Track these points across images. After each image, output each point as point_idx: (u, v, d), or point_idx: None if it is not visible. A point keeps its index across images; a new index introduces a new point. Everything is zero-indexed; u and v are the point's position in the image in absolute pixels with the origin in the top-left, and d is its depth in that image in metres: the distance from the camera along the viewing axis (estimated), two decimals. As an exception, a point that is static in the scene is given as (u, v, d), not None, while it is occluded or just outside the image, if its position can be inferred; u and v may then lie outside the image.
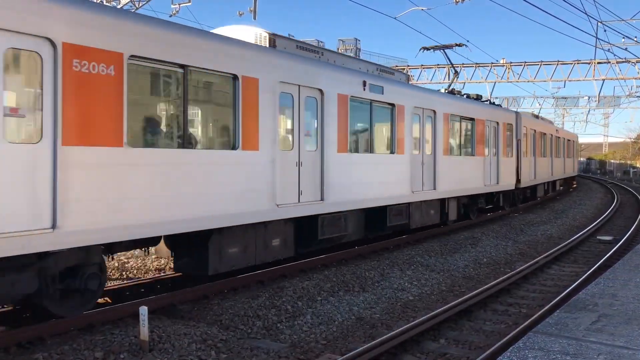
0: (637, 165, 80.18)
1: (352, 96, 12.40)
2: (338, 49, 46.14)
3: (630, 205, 30.68)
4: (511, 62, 40.20)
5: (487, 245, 16.29)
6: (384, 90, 13.56)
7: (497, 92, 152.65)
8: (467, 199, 19.43)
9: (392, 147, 14.27)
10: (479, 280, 12.32)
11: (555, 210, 26.82)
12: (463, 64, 40.49)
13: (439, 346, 7.93)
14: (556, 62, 38.94)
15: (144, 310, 7.13)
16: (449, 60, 21.80)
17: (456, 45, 20.66)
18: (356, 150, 12.91)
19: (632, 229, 19.09)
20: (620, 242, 16.13)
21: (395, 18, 27.69)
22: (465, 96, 19.96)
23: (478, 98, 20.74)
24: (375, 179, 13.25)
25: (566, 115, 70.69)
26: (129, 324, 7.99)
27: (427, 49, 20.40)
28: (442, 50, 20.55)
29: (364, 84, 12.73)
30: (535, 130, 26.66)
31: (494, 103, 23.63)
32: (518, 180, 23.39)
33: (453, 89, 20.05)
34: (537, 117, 30.59)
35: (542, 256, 14.03)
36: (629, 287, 7.96)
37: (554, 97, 59.25)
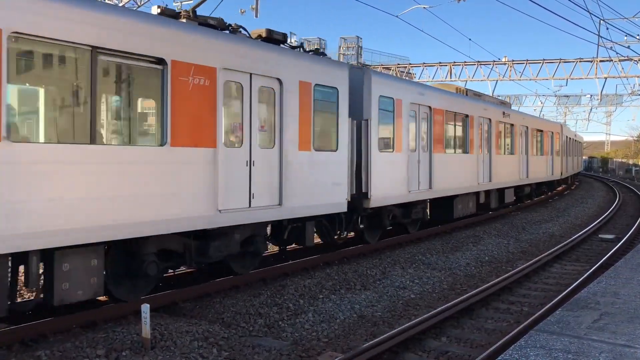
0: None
1: None
2: (340, 47, 46.27)
3: (632, 204, 30.65)
4: (513, 60, 40.17)
5: (488, 243, 16.29)
6: None
7: (499, 90, 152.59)
8: (176, 242, 9.07)
9: None
10: (480, 278, 12.32)
11: (557, 208, 26.81)
12: (465, 62, 40.50)
13: (441, 344, 7.94)
14: (558, 60, 38.89)
15: (146, 308, 7.14)
16: None
17: None
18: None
19: (634, 227, 19.06)
20: (622, 241, 16.12)
21: (397, 16, 27.70)
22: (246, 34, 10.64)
23: (272, 39, 10.90)
24: None
25: (568, 113, 70.70)
26: (131, 322, 8.01)
27: None
28: None
29: None
30: (430, 108, 16.27)
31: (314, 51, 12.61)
32: (363, 194, 13.20)
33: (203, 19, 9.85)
34: (462, 91, 20.82)
35: (543, 254, 14.02)
36: (631, 286, 7.96)
37: (556, 96, 59.28)
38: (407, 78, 35.24)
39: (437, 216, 18.48)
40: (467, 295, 9.80)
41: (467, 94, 20.49)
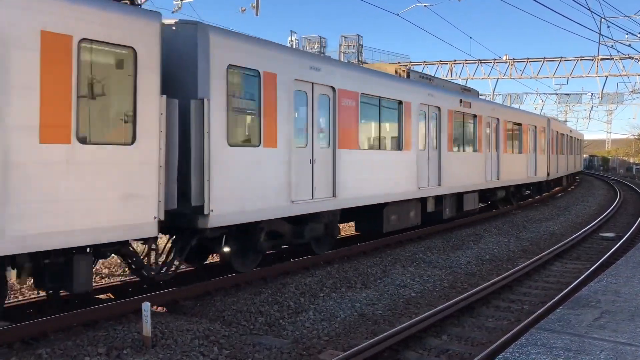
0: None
1: None
2: (340, 45, 46.24)
3: (633, 202, 30.63)
4: (514, 59, 40.20)
5: (489, 242, 16.29)
6: None
7: (500, 88, 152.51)
8: None
9: None
10: (481, 276, 12.32)
11: (557, 207, 26.79)
12: (466, 60, 40.48)
13: (442, 342, 7.94)
14: (559, 59, 38.88)
15: (146, 306, 7.14)
16: None
17: None
18: None
19: (635, 225, 19.05)
20: (623, 239, 16.11)
21: (398, 14, 27.65)
22: None
23: None
24: None
25: (569, 112, 70.67)
26: (132, 320, 8.02)
27: None
28: None
29: None
30: (333, 89, 12.10)
31: None
32: (197, 208, 9.04)
33: None
34: (402, 72, 16.52)
35: (544, 253, 14.02)
36: (632, 284, 7.96)
37: (557, 94, 59.25)
38: None
39: (366, 229, 14.81)
40: (467, 293, 9.80)
41: (408, 76, 16.45)
